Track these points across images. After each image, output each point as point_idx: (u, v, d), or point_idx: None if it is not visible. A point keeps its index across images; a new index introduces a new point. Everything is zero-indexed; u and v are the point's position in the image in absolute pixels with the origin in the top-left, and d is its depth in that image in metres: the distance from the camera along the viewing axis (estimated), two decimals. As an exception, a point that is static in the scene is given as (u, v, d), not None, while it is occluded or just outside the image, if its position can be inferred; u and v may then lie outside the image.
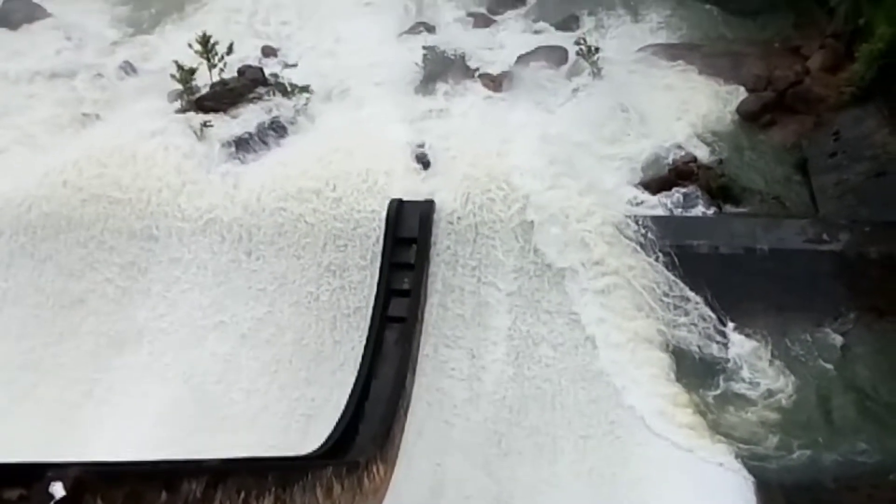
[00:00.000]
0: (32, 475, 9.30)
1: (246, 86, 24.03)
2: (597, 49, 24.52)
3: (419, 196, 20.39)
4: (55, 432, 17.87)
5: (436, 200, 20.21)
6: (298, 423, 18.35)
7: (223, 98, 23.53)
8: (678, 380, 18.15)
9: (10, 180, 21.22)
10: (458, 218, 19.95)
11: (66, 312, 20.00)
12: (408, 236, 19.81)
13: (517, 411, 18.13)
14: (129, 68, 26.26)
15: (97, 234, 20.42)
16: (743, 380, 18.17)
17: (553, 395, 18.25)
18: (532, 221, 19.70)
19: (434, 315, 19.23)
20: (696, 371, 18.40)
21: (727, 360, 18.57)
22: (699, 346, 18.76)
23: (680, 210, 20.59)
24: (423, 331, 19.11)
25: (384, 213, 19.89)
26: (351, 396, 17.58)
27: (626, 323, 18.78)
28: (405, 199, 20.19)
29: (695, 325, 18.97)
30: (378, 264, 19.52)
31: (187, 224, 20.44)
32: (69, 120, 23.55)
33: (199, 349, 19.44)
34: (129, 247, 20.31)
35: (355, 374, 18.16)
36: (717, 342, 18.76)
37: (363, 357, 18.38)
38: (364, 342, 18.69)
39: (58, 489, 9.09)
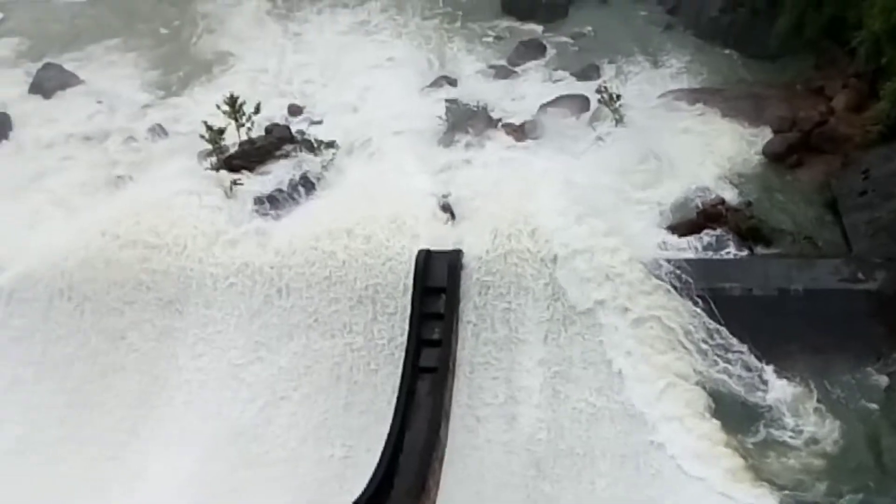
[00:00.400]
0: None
1: (273, 143, 24.46)
2: (618, 96, 24.67)
3: (446, 244, 20.53)
4: (104, 470, 18.47)
5: (463, 246, 20.40)
6: (341, 452, 18.46)
7: (251, 156, 23.95)
8: (715, 422, 17.85)
9: (47, 237, 21.79)
10: (487, 251, 20.14)
11: (107, 349, 20.36)
12: (436, 286, 19.86)
13: (551, 429, 18.27)
14: (159, 130, 26.81)
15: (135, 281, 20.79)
16: (784, 425, 17.82)
17: (588, 421, 18.27)
18: (557, 256, 19.81)
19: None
20: (733, 414, 18.07)
21: (766, 403, 18.28)
22: (736, 389, 18.49)
23: (710, 252, 20.49)
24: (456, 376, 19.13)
25: (412, 262, 20.01)
26: (385, 449, 17.45)
27: (658, 361, 18.62)
28: (433, 249, 20.29)
29: (731, 367, 18.74)
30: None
31: (222, 274, 20.70)
32: (103, 182, 24.07)
33: (237, 384, 19.70)
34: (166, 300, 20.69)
35: (392, 405, 18.34)
36: (755, 385, 18.47)
37: (396, 408, 18.33)
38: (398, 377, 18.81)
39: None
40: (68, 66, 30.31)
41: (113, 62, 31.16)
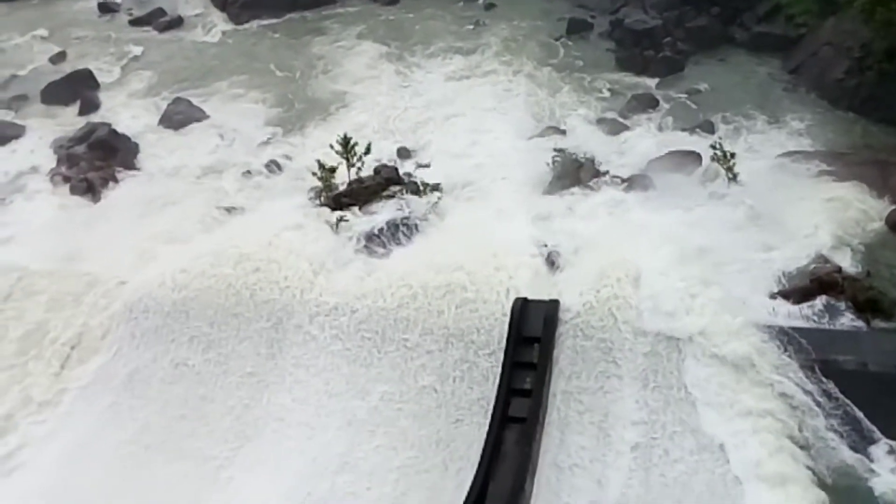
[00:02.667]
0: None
1: (381, 184, 24.97)
2: (732, 154, 23.98)
3: (544, 293, 20.25)
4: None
5: (562, 296, 20.05)
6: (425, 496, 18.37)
7: (359, 195, 24.51)
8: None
9: (165, 258, 22.81)
10: (586, 303, 19.74)
11: (208, 371, 20.97)
12: (531, 336, 19.59)
13: (641, 492, 17.58)
14: (274, 166, 27.95)
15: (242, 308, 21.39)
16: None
17: (682, 487, 17.48)
18: (659, 314, 19.22)
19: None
20: (840, 495, 16.81)
21: (879, 488, 16.91)
22: (846, 469, 17.24)
23: (824, 322, 19.40)
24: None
25: (508, 310, 19.79)
26: (468, 497, 17.15)
27: (761, 431, 17.63)
28: (530, 298, 20.06)
29: (842, 445, 17.51)
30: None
31: (321, 308, 21.03)
32: (219, 211, 25.13)
33: (326, 421, 19.87)
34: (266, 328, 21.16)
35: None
36: (868, 466, 17.19)
37: (481, 457, 18.02)
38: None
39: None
40: (195, 101, 32.08)
41: (236, 99, 32.88)
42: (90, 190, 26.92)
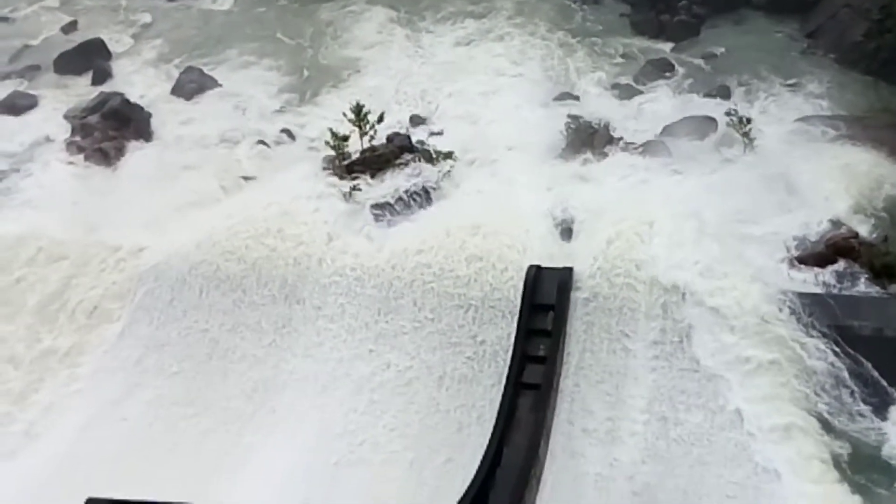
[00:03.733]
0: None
1: (393, 152, 24.90)
2: (748, 119, 23.78)
3: (558, 260, 20.25)
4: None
5: (575, 263, 20.01)
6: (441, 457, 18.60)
7: (372, 163, 24.47)
8: (838, 474, 16.74)
9: (180, 226, 22.92)
10: (600, 270, 19.69)
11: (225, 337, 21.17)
12: (545, 303, 19.61)
13: (654, 457, 17.72)
14: (288, 135, 27.92)
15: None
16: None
17: (695, 452, 17.58)
18: (672, 281, 19.15)
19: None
20: (852, 461, 16.90)
21: (891, 455, 17.00)
22: (858, 436, 17.32)
23: (839, 288, 19.33)
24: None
25: (521, 277, 19.78)
26: (482, 463, 17.32)
27: (775, 397, 17.68)
28: (543, 265, 20.05)
29: (855, 411, 17.57)
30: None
31: (334, 278, 21.08)
32: (232, 181, 25.15)
33: (344, 383, 20.07)
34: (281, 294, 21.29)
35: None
36: (883, 433, 17.23)
37: (496, 423, 18.15)
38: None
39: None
40: (207, 70, 31.95)
41: (247, 67, 32.78)
42: (105, 159, 27.00)
